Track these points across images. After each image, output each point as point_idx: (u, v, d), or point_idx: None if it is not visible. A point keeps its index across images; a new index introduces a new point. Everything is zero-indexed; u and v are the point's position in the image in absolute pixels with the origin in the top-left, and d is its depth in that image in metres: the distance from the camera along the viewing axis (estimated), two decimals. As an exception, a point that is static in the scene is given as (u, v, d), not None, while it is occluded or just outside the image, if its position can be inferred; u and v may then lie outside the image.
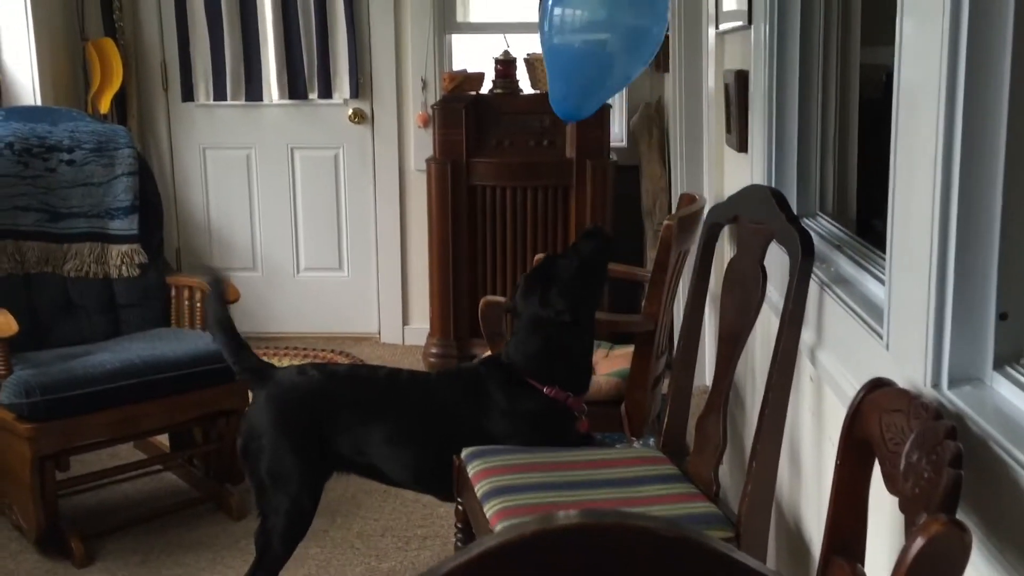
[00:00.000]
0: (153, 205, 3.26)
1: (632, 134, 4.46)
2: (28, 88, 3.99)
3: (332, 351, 4.54)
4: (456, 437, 2.24)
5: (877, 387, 1.36)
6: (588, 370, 2.39)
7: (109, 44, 4.31)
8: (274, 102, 4.50)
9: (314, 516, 2.28)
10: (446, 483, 2.22)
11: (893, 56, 1.44)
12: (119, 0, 4.40)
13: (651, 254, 4.18)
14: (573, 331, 2.31)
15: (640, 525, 0.60)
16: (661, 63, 4.29)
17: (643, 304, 3.96)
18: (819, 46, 2.26)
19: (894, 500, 1.33)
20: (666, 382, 3.02)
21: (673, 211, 3.82)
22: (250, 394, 2.48)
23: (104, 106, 4.29)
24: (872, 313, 1.64)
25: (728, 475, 2.74)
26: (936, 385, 1.31)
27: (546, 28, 2.66)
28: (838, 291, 1.82)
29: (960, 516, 1.09)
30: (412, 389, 2.33)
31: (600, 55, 2.62)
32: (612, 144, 4.19)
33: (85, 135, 3.17)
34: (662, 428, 2.35)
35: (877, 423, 1.30)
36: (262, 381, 2.29)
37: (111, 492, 3.10)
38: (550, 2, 2.61)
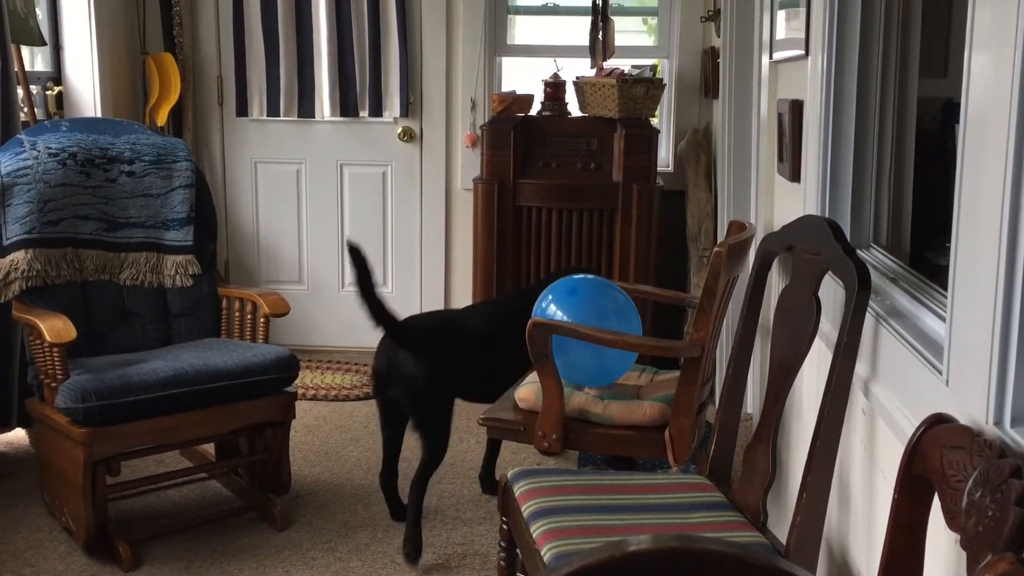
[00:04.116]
0: (208, 217, 3.32)
1: (679, 159, 4.47)
2: (89, 100, 4.09)
3: (374, 366, 4.58)
4: (514, 349, 2.77)
5: (937, 423, 1.36)
6: None
7: (168, 59, 4.42)
8: (325, 119, 4.58)
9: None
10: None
11: (949, 89, 1.45)
12: (179, 16, 4.51)
13: (695, 279, 4.18)
14: None
15: (730, 552, 0.61)
16: (710, 89, 4.30)
17: (686, 329, 3.96)
18: (877, 78, 2.26)
19: (951, 537, 1.32)
20: (710, 409, 3.01)
21: (719, 237, 3.82)
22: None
23: (161, 119, 4.39)
24: (930, 348, 1.64)
25: (770, 505, 2.72)
26: (999, 423, 1.31)
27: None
28: (894, 324, 1.82)
29: (1025, 556, 1.08)
30: (490, 313, 3.18)
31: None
32: (658, 169, 4.20)
33: (145, 147, 3.25)
34: (707, 455, 2.34)
35: (938, 459, 1.30)
36: (402, 333, 2.86)
37: (157, 498, 3.15)
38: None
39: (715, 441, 2.28)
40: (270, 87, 4.54)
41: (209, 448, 3.30)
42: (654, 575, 0.60)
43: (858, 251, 2.16)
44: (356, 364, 4.61)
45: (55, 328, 2.68)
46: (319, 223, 4.74)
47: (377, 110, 4.53)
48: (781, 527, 2.34)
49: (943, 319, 1.62)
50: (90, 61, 4.07)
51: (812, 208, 2.38)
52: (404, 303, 4.73)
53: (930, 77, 2.61)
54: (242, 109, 4.60)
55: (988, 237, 1.31)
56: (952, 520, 1.25)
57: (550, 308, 2.81)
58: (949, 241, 1.50)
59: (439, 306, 4.71)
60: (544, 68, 4.30)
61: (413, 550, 2.75)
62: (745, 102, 3.53)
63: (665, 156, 4.57)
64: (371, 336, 4.74)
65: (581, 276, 3.13)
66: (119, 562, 2.70)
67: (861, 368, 1.91)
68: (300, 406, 3.29)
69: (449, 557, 2.80)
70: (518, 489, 2.11)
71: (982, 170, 1.36)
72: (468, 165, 4.52)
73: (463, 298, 4.56)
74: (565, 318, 2.75)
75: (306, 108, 4.56)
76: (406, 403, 2.85)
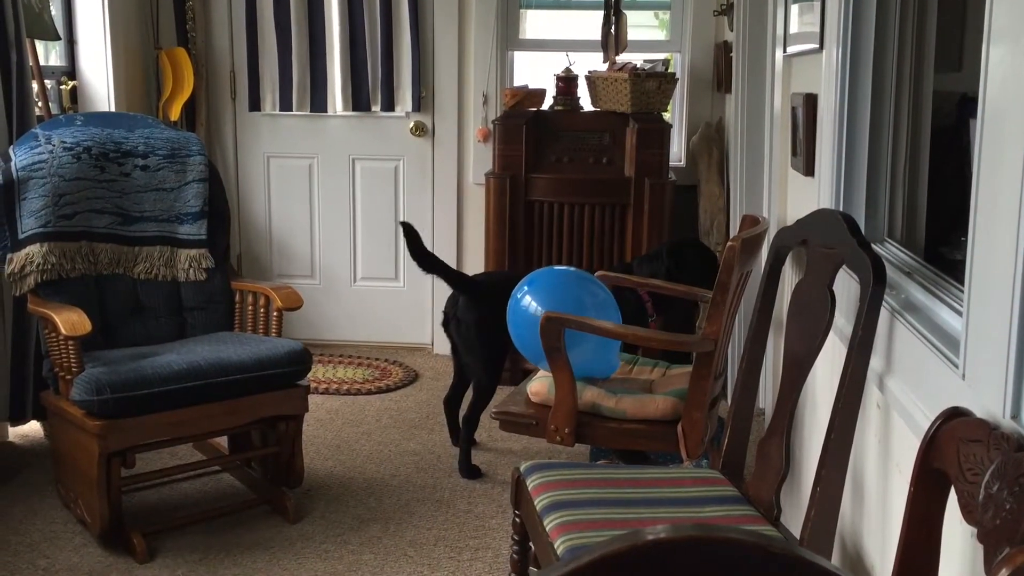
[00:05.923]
0: (221, 211, 3.33)
1: (691, 154, 4.46)
2: (103, 94, 4.11)
3: (385, 360, 4.59)
4: None
5: (954, 416, 1.35)
6: None
7: (181, 53, 4.43)
8: (338, 113, 4.59)
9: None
10: None
11: (964, 83, 1.44)
12: (192, 11, 4.52)
13: (707, 274, 4.16)
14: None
15: (752, 541, 0.61)
16: (723, 83, 4.29)
17: (698, 323, 3.95)
18: (892, 72, 2.25)
19: (967, 531, 1.32)
20: (722, 404, 3.01)
21: (731, 232, 3.81)
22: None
23: (174, 113, 4.40)
24: (946, 342, 1.63)
25: (783, 499, 2.72)
26: (1016, 416, 1.30)
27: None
28: (909, 318, 1.81)
29: (1042, 550, 1.08)
30: None
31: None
32: (671, 163, 4.19)
33: (159, 141, 3.26)
34: (720, 449, 2.34)
35: (954, 453, 1.29)
36: (471, 287, 3.34)
37: (171, 490, 3.16)
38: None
39: (728, 435, 2.28)
40: (282, 82, 4.55)
41: (222, 441, 3.32)
42: (673, 565, 0.60)
43: (872, 245, 2.16)
44: (368, 358, 4.62)
45: (70, 321, 2.70)
46: (331, 217, 4.75)
47: (389, 105, 4.54)
48: (794, 521, 2.34)
49: (959, 313, 1.62)
50: (104, 56, 4.09)
51: (826, 202, 2.37)
52: (415, 297, 4.76)
53: (945, 71, 2.60)
54: (255, 104, 4.61)
55: (1005, 230, 1.31)
56: (969, 514, 1.25)
57: (525, 299, 2.79)
58: (965, 236, 1.49)
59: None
60: (556, 63, 4.29)
61: (466, 472, 3.28)
62: (758, 96, 3.52)
63: (677, 151, 4.56)
64: (382, 331, 4.81)
65: (562, 269, 3.17)
66: (133, 554, 2.72)
67: (876, 362, 1.90)
68: (312, 400, 3.30)
69: (461, 550, 2.81)
70: (531, 482, 2.12)
71: (1000, 163, 1.35)
72: (480, 160, 4.52)
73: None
74: (541, 309, 2.74)
75: (318, 103, 4.57)
76: (457, 341, 3.38)
